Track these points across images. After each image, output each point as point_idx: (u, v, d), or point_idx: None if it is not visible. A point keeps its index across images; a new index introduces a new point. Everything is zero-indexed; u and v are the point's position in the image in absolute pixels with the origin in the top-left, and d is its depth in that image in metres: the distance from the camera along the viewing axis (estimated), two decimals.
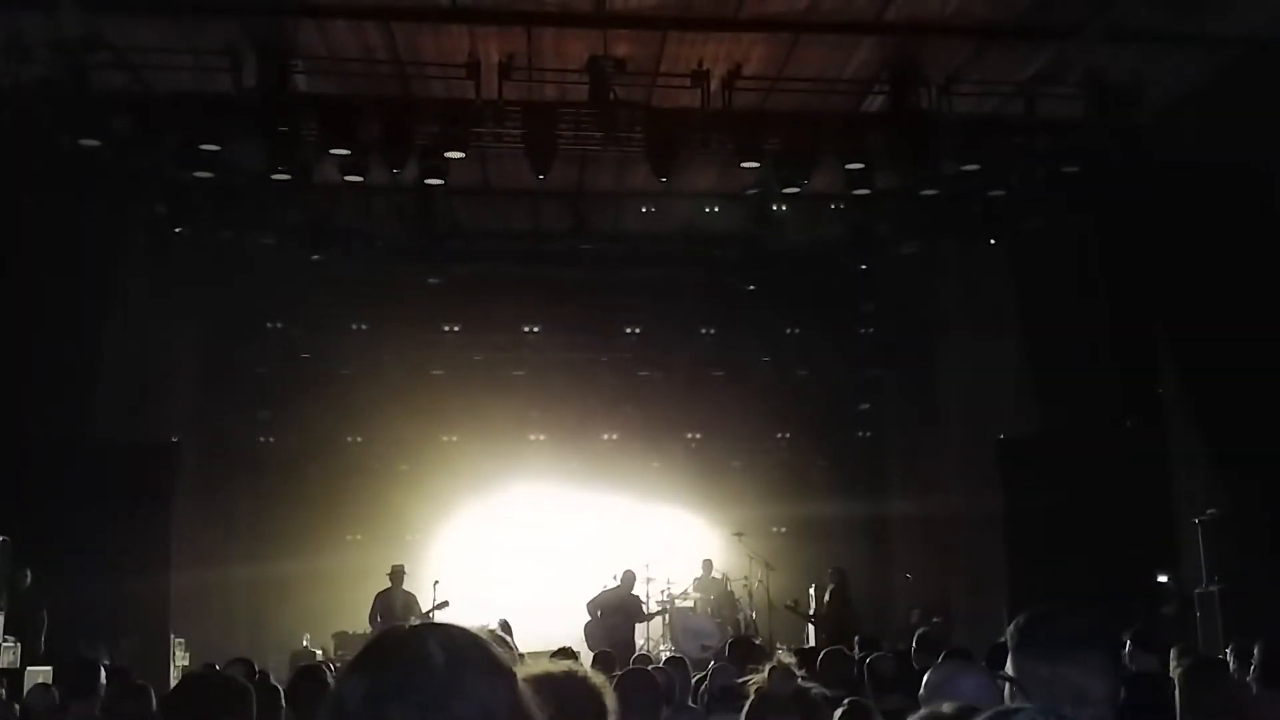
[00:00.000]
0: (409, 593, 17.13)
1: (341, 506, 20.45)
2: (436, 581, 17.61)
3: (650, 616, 18.06)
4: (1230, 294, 15.39)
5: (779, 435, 21.52)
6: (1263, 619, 12.22)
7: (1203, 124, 15.96)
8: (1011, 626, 3.12)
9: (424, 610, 16.83)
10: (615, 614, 17.31)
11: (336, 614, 18.80)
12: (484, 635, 2.06)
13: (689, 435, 21.54)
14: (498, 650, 2.04)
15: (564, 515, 21.05)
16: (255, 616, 18.35)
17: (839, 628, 17.27)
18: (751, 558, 19.18)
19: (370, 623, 16.71)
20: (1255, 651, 6.94)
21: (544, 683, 2.75)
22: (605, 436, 21.40)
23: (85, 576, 14.61)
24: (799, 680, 5.19)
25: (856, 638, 13.81)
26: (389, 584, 17.11)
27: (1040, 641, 3.04)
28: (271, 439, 20.09)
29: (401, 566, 17.34)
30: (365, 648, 2.06)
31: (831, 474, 21.32)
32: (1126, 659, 8.96)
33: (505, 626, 14.21)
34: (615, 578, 17.99)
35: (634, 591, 17.80)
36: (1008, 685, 3.07)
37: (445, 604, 16.89)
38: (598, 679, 3.21)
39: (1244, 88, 15.07)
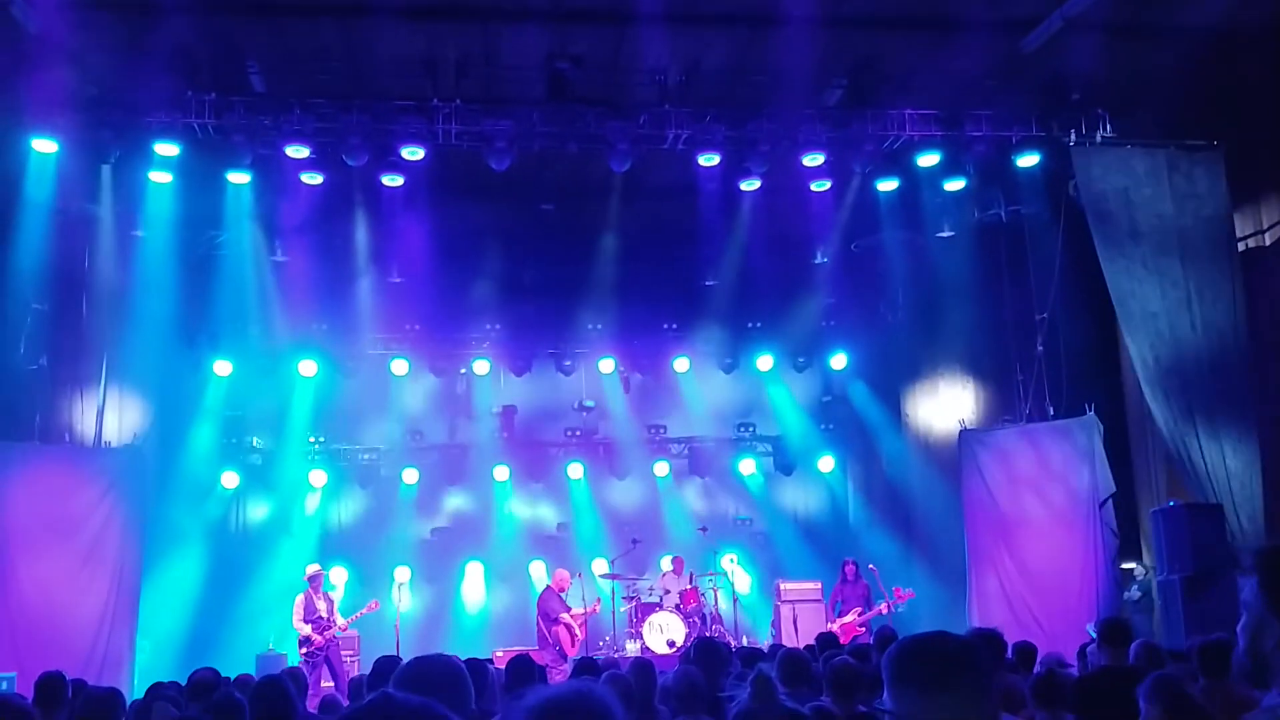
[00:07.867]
0: (329, 595, 16.38)
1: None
2: (400, 584, 17.62)
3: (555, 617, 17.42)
4: (1187, 284, 15.57)
5: (740, 425, 21.51)
6: (1222, 607, 12.36)
7: (1162, 112, 16.10)
8: (884, 658, 3.09)
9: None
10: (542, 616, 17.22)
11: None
12: None
13: (652, 428, 21.50)
14: None
15: (529, 510, 20.99)
16: (219, 620, 18.14)
17: None
18: (716, 552, 19.20)
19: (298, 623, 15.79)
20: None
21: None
22: (568, 431, 21.36)
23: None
24: (781, 695, 5.12)
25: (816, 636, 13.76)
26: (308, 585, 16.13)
27: (912, 671, 3.01)
28: (234, 440, 19.91)
29: (318, 567, 16.57)
30: None
31: (794, 465, 21.32)
32: (1090, 652, 9.00)
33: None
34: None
35: (554, 589, 17.58)
36: (887, 717, 3.01)
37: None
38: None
39: (1201, 76, 15.19)
